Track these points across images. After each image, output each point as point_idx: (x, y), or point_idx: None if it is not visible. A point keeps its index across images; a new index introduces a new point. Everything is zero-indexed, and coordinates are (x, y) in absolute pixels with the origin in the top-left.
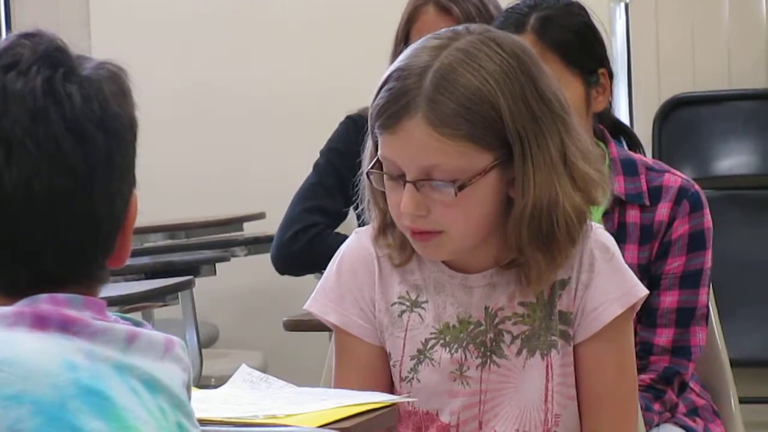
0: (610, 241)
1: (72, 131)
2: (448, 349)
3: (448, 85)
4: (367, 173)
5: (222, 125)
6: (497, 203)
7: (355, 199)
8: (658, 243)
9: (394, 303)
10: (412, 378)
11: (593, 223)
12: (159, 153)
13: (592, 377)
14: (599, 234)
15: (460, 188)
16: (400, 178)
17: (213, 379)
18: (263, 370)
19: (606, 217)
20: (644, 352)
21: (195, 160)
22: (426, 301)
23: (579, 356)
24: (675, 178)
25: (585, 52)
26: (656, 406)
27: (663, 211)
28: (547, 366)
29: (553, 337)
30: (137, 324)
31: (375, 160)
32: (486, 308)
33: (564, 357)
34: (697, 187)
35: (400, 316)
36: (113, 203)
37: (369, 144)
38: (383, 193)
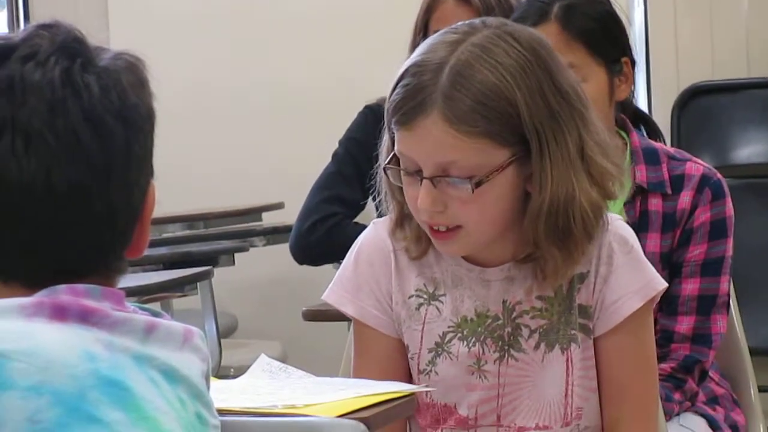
0: (630, 233)
1: (90, 122)
2: (465, 343)
3: (465, 82)
4: (384, 168)
5: (241, 115)
6: (514, 198)
7: (374, 190)
8: (680, 231)
9: (412, 296)
10: (430, 371)
11: (612, 215)
12: (177, 143)
13: (613, 369)
14: (618, 226)
15: (477, 185)
16: (416, 173)
17: (232, 369)
18: (282, 360)
19: (628, 205)
20: (665, 340)
21: (213, 150)
22: (444, 294)
23: (599, 349)
24: (697, 166)
25: (608, 40)
26: (677, 396)
27: (685, 199)
28: (568, 360)
29: (573, 332)
30: (156, 314)
31: (392, 155)
32: (504, 302)
33: (585, 351)
34: (719, 175)
35: (418, 309)
36: (131, 194)
37: (386, 138)
38: (400, 187)
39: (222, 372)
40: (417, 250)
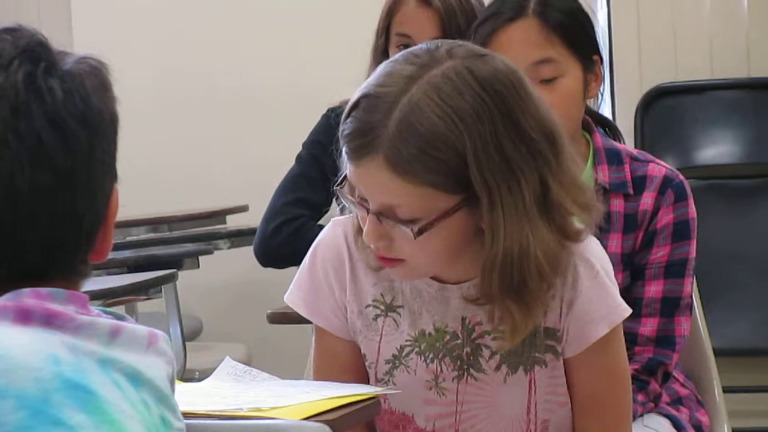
0: (597, 255)
1: (54, 126)
2: (423, 358)
3: (412, 129)
4: (336, 190)
5: (205, 118)
6: (466, 237)
7: (330, 193)
8: (643, 233)
9: (368, 306)
10: (388, 380)
11: (586, 237)
12: (141, 146)
13: (585, 384)
14: (586, 249)
15: (420, 232)
16: (365, 202)
17: (197, 373)
18: (247, 362)
19: None
20: (628, 342)
21: (177, 152)
22: (401, 306)
23: (569, 367)
24: (659, 167)
25: (583, 36)
26: (640, 397)
27: (647, 200)
28: (531, 381)
29: (537, 354)
30: (120, 318)
31: (344, 176)
32: (463, 319)
33: (553, 370)
34: (681, 177)
35: (375, 320)
36: (95, 198)
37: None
38: None
39: (187, 375)
40: (376, 261)
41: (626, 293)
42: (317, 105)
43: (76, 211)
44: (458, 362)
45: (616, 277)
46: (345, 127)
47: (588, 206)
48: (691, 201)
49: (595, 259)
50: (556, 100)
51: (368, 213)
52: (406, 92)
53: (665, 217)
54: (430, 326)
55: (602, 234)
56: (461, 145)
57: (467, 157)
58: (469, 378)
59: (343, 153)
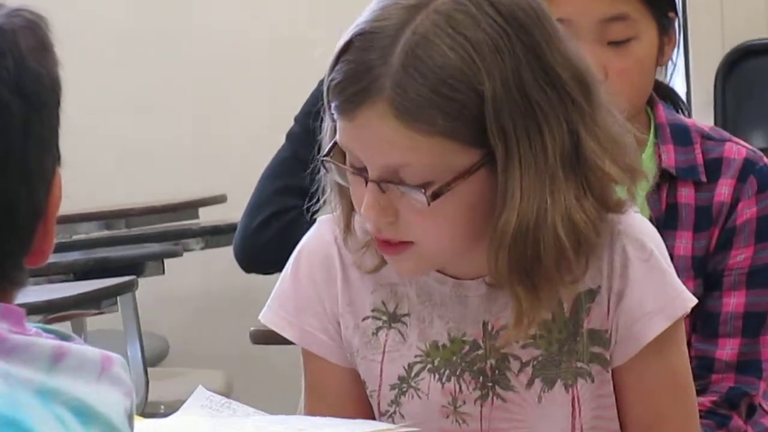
0: (650, 234)
1: None
2: (437, 377)
3: (421, 65)
4: (324, 161)
5: (171, 87)
6: (485, 209)
7: (317, 187)
8: (719, 230)
9: (367, 318)
10: (394, 412)
11: (629, 211)
12: (90, 122)
13: (638, 405)
14: (634, 225)
15: (435, 196)
16: (363, 171)
17: (162, 406)
18: (226, 393)
19: (652, 196)
20: (703, 369)
21: (137, 130)
22: (407, 314)
23: (619, 380)
24: (738, 148)
25: None
26: None
27: (724, 189)
28: (574, 399)
29: (580, 364)
30: (65, 338)
31: (333, 144)
32: (484, 324)
33: (601, 386)
34: (766, 159)
35: (375, 334)
36: (32, 184)
37: (327, 122)
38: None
39: (150, 409)
40: (373, 260)
41: (698, 307)
42: (313, 72)
43: (10, 202)
44: (481, 378)
45: (687, 286)
46: (334, 76)
47: (631, 169)
48: None
49: (648, 238)
50: (626, 68)
51: (366, 183)
52: (409, 23)
53: (747, 211)
54: (444, 336)
55: (667, 232)
56: (479, 82)
57: (485, 96)
58: (495, 399)
59: (333, 109)
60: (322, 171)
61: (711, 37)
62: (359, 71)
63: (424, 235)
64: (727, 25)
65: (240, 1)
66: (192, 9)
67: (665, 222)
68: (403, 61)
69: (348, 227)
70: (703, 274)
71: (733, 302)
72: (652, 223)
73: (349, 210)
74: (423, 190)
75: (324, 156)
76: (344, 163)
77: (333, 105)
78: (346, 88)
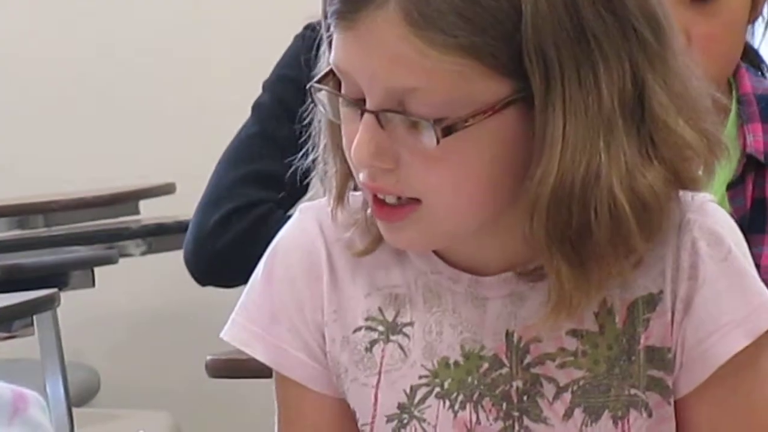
0: (727, 227)
1: None
2: (448, 404)
3: None
4: (314, 90)
5: (107, 57)
6: (513, 164)
7: (307, 144)
8: None
9: (359, 329)
10: None
11: (700, 196)
12: (3, 99)
13: None
14: (708, 215)
15: (446, 132)
16: (359, 103)
17: None
18: None
19: (734, 190)
20: None
21: (62, 106)
22: (410, 323)
23: (683, 417)
24: None
25: None
26: None
27: None
28: None
29: (634, 391)
30: None
31: (327, 70)
32: (508, 334)
33: (660, 422)
34: None
35: (370, 350)
36: None
37: (324, 50)
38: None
39: None
40: (363, 240)
41: None
42: (283, 26)
43: None
44: (504, 406)
45: None
46: None
47: (711, 137)
48: None
49: (726, 231)
50: (713, 29)
51: (361, 117)
52: None
53: None
54: (457, 351)
55: (754, 237)
56: None
57: (524, 14)
58: None
59: (330, 17)
60: (315, 116)
61: None
62: None
63: (431, 190)
64: None
65: None
66: None
67: (751, 223)
68: None
69: (342, 194)
70: None
71: None
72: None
73: (346, 171)
74: (433, 125)
75: (316, 82)
76: (339, 92)
77: (331, 10)
78: None
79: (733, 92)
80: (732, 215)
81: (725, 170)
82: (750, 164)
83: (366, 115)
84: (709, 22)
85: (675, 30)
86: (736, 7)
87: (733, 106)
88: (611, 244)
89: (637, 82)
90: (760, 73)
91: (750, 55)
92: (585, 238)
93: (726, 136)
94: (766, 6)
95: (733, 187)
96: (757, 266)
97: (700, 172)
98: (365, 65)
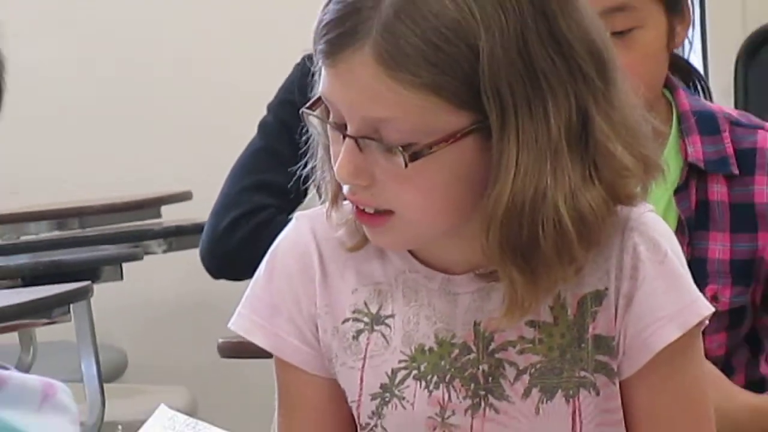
0: (664, 233)
1: None
2: (424, 384)
3: (414, 11)
4: (306, 115)
5: (131, 76)
6: (473, 184)
7: (307, 156)
8: None
9: (347, 319)
10: (375, 425)
11: (642, 206)
12: (42, 111)
13: (646, 426)
14: (648, 223)
15: (414, 157)
16: (342, 128)
17: (120, 426)
18: (191, 412)
19: (680, 194)
20: None
21: (93, 121)
22: (391, 315)
23: (627, 397)
24: None
25: None
26: None
27: (766, 187)
28: (575, 412)
29: (584, 373)
30: (1, 367)
31: (317, 98)
32: (476, 325)
33: (606, 399)
34: None
35: (356, 337)
36: None
37: (318, 78)
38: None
39: (106, 429)
40: (353, 237)
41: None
42: (286, 55)
43: None
44: (472, 386)
45: (721, 293)
46: (322, 17)
47: (647, 160)
48: None
49: (663, 238)
50: (632, 60)
51: (344, 140)
52: None
53: None
54: (432, 339)
55: (699, 233)
56: (475, 37)
57: (481, 54)
58: (487, 409)
59: (317, 54)
60: (312, 134)
61: (731, 19)
62: (348, 12)
63: (401, 204)
64: (749, 6)
65: None
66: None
67: (696, 222)
68: (395, 6)
69: (336, 197)
70: (746, 280)
71: None
72: (682, 225)
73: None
74: (402, 151)
75: (307, 108)
76: (328, 118)
77: (317, 48)
78: (332, 29)
79: (674, 109)
80: (679, 216)
81: (672, 177)
82: (692, 171)
83: (347, 139)
84: (627, 53)
85: (617, 65)
86: (651, 39)
87: (674, 121)
88: (556, 254)
89: (582, 114)
90: (696, 91)
91: (686, 70)
92: (533, 249)
93: (669, 150)
94: (691, 31)
95: (679, 191)
96: (705, 259)
97: (638, 189)
98: (345, 97)
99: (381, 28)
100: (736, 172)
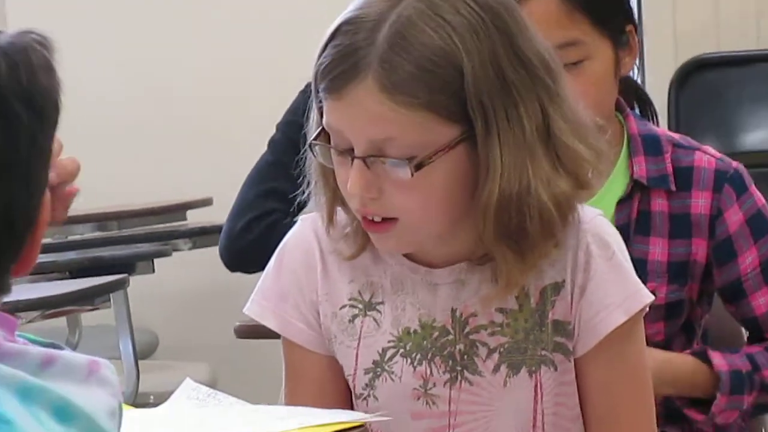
0: (612, 235)
1: None
2: (409, 361)
3: (406, 44)
4: (311, 145)
5: (160, 96)
6: (465, 185)
7: (301, 182)
8: (709, 243)
9: (344, 306)
10: (368, 395)
11: (592, 211)
12: (84, 132)
13: (597, 394)
14: (598, 226)
15: (417, 167)
16: (348, 152)
17: (152, 396)
18: (211, 384)
19: (622, 204)
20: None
21: (128, 137)
22: (382, 303)
23: (581, 371)
24: (708, 158)
25: (613, 6)
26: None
27: (701, 201)
28: (537, 385)
29: (544, 352)
30: (55, 347)
31: (320, 129)
32: (453, 311)
33: (563, 374)
34: (734, 164)
35: (352, 321)
36: (30, 194)
37: (314, 111)
38: (332, 170)
39: (140, 399)
40: (351, 248)
41: (743, 320)
42: (293, 80)
43: (10, 209)
44: (450, 362)
45: (659, 290)
46: (322, 60)
47: (595, 148)
48: (754, 187)
49: (611, 238)
50: (582, 88)
51: (352, 162)
52: (394, 8)
53: (734, 218)
54: (416, 322)
55: (640, 237)
56: (459, 60)
57: (465, 74)
58: (463, 382)
59: (320, 95)
60: (309, 160)
61: (664, 50)
62: (347, 52)
63: (406, 210)
64: (680, 38)
65: (237, 7)
66: (190, 18)
67: (637, 228)
68: (389, 41)
69: (331, 216)
70: (678, 280)
71: (763, 301)
72: (622, 230)
73: (333, 199)
74: (407, 162)
75: (312, 140)
76: (330, 146)
77: (321, 87)
78: (334, 68)
79: (624, 130)
80: (620, 223)
81: (617, 190)
82: (636, 186)
83: (356, 160)
84: (579, 81)
85: (562, 70)
86: (598, 69)
87: (625, 143)
88: (540, 234)
89: (545, 114)
90: (646, 115)
91: (637, 94)
92: (522, 232)
93: (618, 168)
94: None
95: (622, 202)
96: (645, 260)
97: (590, 175)
98: (352, 124)
99: (379, 61)
100: (674, 188)
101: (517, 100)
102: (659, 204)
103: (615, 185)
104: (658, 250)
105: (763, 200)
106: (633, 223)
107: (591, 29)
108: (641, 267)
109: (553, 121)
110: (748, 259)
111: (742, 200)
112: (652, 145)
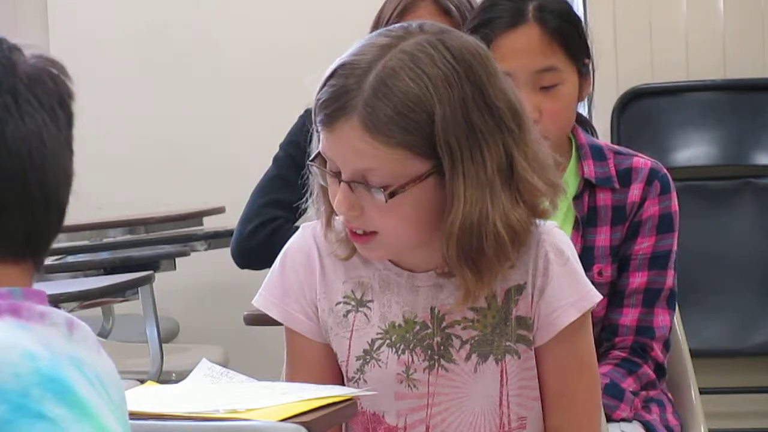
0: (566, 244)
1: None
2: (394, 350)
3: (387, 90)
4: (311, 165)
5: (182, 121)
6: (433, 211)
7: (306, 189)
8: (629, 223)
9: (339, 303)
10: (359, 378)
11: (550, 224)
12: (118, 150)
13: (553, 377)
14: (555, 236)
15: (392, 195)
16: (338, 175)
17: (173, 374)
18: (224, 364)
19: (576, 201)
20: (610, 333)
21: (154, 154)
22: (371, 300)
23: (539, 358)
24: (644, 160)
25: (579, 41)
26: (630, 381)
27: (635, 191)
28: (502, 371)
29: (508, 343)
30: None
31: (317, 153)
32: (432, 309)
33: (525, 361)
34: (665, 170)
35: (346, 316)
36: (67, 188)
37: (315, 135)
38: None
39: (164, 377)
40: (345, 250)
41: (612, 286)
42: (295, 105)
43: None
44: (429, 352)
45: (604, 270)
46: (320, 96)
47: (553, 185)
48: (674, 195)
49: (566, 247)
50: (556, 108)
51: (340, 184)
52: (381, 58)
53: (651, 209)
54: (400, 317)
55: (590, 228)
56: (431, 107)
57: (435, 119)
58: (440, 369)
59: (317, 123)
60: (310, 177)
61: (607, 81)
62: (339, 93)
63: (384, 227)
64: (621, 70)
65: (248, 23)
66: (203, 28)
67: (588, 220)
68: (373, 87)
69: (329, 222)
70: (618, 260)
71: (637, 281)
72: (578, 223)
73: (331, 209)
74: (383, 190)
75: (310, 161)
76: (325, 168)
77: (318, 119)
78: (328, 105)
79: (573, 142)
80: (576, 216)
81: (571, 190)
82: (586, 185)
83: (342, 183)
84: (553, 102)
85: (529, 117)
86: (568, 92)
87: (574, 151)
88: (496, 257)
89: (508, 156)
90: (588, 131)
91: (582, 120)
92: (480, 255)
93: (569, 170)
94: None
95: (576, 199)
96: (593, 247)
97: (548, 205)
98: (339, 154)
99: (364, 103)
100: (617, 186)
101: (481, 143)
102: (603, 199)
103: (568, 185)
104: (602, 237)
105: (677, 208)
106: (585, 216)
107: (565, 59)
108: (590, 252)
109: (517, 161)
110: (644, 244)
111: (663, 198)
112: (597, 153)
